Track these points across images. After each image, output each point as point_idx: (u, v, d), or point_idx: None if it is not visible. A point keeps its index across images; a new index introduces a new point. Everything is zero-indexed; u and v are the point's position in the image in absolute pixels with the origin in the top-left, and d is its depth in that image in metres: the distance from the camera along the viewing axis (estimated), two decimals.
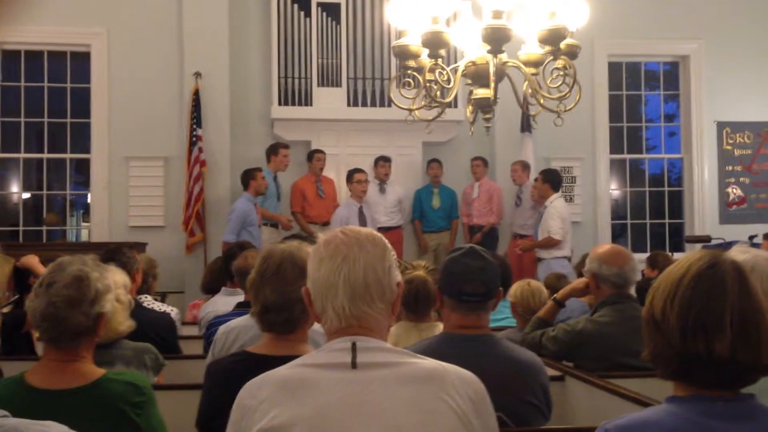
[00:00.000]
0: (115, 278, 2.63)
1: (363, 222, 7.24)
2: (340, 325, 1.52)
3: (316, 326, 1.68)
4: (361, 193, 7.39)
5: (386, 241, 1.59)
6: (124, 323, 2.55)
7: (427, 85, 3.74)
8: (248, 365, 1.88)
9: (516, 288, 3.64)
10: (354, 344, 1.49)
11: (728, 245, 4.94)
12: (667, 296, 1.36)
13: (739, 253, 1.99)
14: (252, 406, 1.48)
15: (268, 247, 2.14)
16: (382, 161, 7.72)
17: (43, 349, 2.02)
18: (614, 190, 9.10)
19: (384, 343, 1.54)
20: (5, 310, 3.49)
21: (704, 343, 1.31)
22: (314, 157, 7.65)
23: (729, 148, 8.78)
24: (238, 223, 6.81)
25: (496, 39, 3.52)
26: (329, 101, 7.76)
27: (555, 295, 3.36)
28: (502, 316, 3.91)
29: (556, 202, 6.99)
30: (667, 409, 1.36)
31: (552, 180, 7.09)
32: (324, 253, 1.53)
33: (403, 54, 3.75)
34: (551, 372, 2.74)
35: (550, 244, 6.86)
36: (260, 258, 2.08)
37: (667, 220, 9.07)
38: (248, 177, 7.05)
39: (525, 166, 7.77)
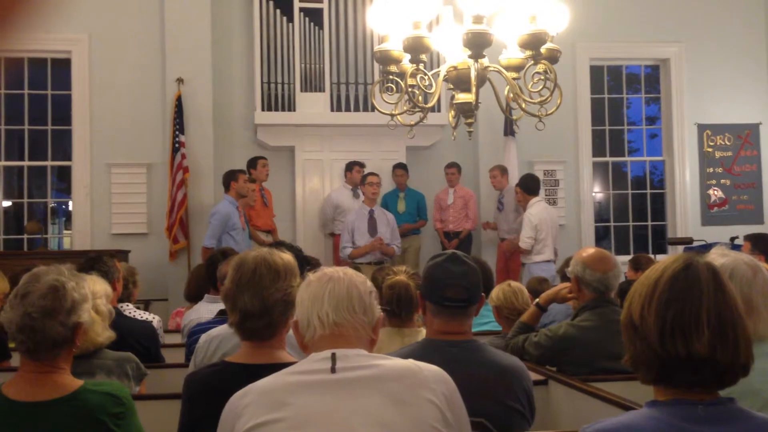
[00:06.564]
0: (96, 288, 2.60)
1: (372, 227, 7.09)
2: (323, 332, 1.60)
3: None
4: (372, 195, 7.19)
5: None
6: (102, 334, 2.52)
7: (409, 90, 3.74)
8: (227, 375, 1.87)
9: (497, 291, 3.63)
10: (333, 354, 1.56)
11: (709, 247, 4.97)
12: (645, 300, 1.38)
13: (718, 257, 2.00)
14: (237, 413, 1.55)
15: (239, 256, 2.14)
16: (358, 167, 7.67)
17: (20, 360, 1.99)
18: (597, 192, 9.16)
19: (362, 351, 1.60)
20: None
21: (683, 344, 1.32)
22: (258, 163, 7.38)
23: (710, 150, 8.86)
24: (218, 226, 6.63)
25: (477, 44, 3.53)
26: (312, 106, 7.74)
27: (537, 300, 3.37)
28: (485, 320, 3.91)
29: (533, 208, 7.00)
30: (647, 414, 1.37)
31: (526, 186, 7.12)
32: (312, 279, 1.69)
33: (385, 59, 3.75)
34: (534, 376, 2.74)
35: (519, 251, 6.93)
36: (233, 267, 2.07)
37: (649, 222, 9.14)
38: (230, 178, 6.88)
39: (503, 171, 7.80)
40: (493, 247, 7.97)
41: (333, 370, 1.53)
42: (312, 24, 7.81)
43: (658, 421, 1.34)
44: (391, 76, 3.81)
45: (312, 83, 7.76)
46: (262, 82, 7.67)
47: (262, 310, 2.00)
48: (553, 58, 3.71)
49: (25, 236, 8.08)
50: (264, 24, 7.72)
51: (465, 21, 3.57)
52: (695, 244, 7.35)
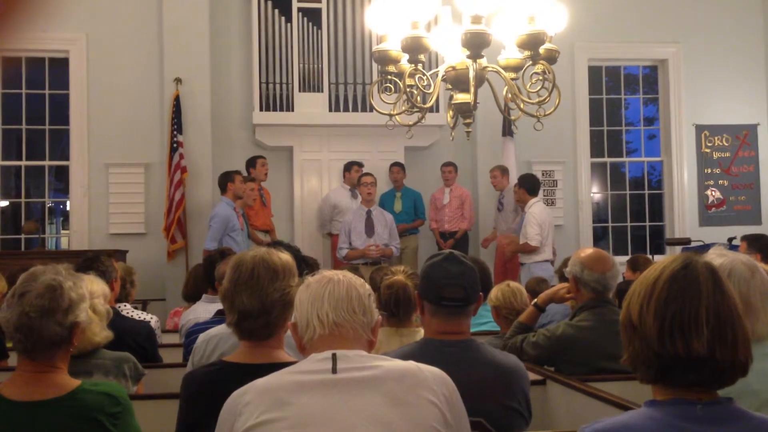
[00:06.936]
0: (94, 288, 2.60)
1: (369, 228, 7.04)
2: (323, 332, 1.61)
3: None
4: (367, 195, 7.12)
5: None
6: (100, 334, 2.51)
7: (408, 90, 3.74)
8: (224, 374, 1.86)
9: (496, 291, 3.63)
10: (334, 354, 1.56)
11: (707, 247, 4.98)
12: (643, 299, 1.38)
13: (716, 257, 2.00)
14: (237, 411, 1.55)
15: (237, 255, 2.14)
16: (356, 167, 7.64)
17: (17, 360, 1.99)
18: (595, 193, 9.16)
19: (362, 352, 1.61)
20: None
21: (682, 343, 1.32)
22: (257, 162, 7.37)
23: (708, 150, 8.87)
24: (219, 229, 6.58)
25: (476, 44, 3.53)
26: (311, 106, 7.74)
27: (535, 300, 3.37)
28: (483, 320, 3.91)
29: (534, 207, 6.99)
30: (646, 413, 1.37)
31: (527, 185, 7.09)
32: (311, 281, 1.71)
33: (384, 59, 3.75)
34: (532, 376, 2.74)
35: (526, 250, 6.92)
36: (231, 267, 2.07)
37: (647, 223, 9.15)
38: (226, 180, 6.83)
39: (504, 171, 7.79)
40: (492, 247, 7.97)
41: (334, 370, 1.54)
42: (310, 24, 7.81)
43: (657, 421, 1.34)
44: (389, 76, 3.81)
45: (310, 83, 7.75)
46: (260, 82, 7.66)
47: (261, 310, 1.99)
48: (551, 58, 3.71)
49: (23, 236, 8.07)
50: (262, 24, 7.72)
51: (463, 21, 3.57)
52: (693, 244, 7.37)
